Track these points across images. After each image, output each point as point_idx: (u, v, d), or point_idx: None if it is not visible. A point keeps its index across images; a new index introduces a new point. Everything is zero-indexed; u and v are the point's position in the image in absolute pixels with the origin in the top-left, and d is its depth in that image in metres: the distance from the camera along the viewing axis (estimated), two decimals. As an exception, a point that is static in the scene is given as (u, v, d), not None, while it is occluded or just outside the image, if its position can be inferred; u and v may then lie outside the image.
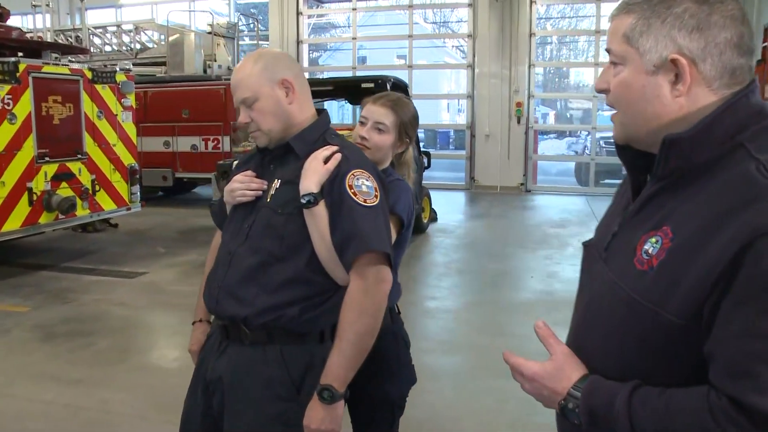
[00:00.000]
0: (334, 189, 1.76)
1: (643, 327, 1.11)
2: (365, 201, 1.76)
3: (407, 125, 2.26)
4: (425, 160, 9.55)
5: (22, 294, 6.40)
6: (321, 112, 1.96)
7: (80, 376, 4.40)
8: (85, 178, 7.60)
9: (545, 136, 23.50)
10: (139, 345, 5.02)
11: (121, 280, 6.98)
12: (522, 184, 14.04)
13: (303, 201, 1.75)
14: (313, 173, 1.77)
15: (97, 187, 7.79)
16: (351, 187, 1.76)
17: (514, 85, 13.95)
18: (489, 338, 5.26)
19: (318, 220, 1.76)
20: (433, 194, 10.46)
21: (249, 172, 1.93)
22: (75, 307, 6.00)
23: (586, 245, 1.38)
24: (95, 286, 6.73)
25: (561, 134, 26.16)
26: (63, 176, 7.30)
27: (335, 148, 1.84)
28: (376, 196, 1.79)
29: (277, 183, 1.85)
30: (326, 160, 1.80)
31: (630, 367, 1.14)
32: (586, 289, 1.32)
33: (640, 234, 1.15)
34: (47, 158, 7.04)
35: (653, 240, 1.11)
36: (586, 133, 17.33)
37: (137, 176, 8.52)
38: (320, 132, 1.91)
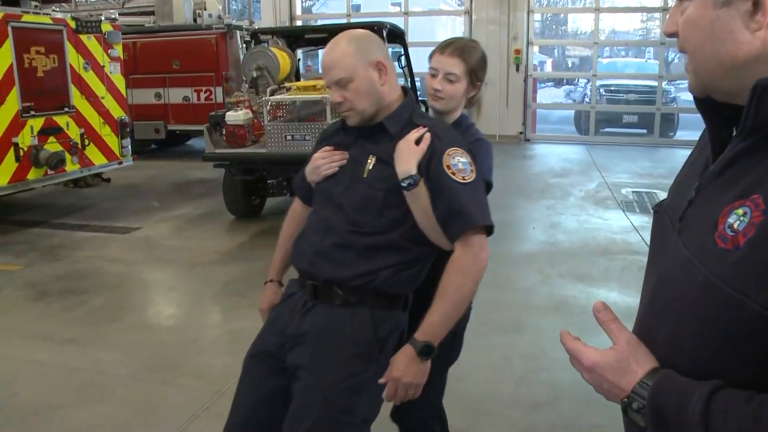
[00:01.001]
0: (431, 169, 1.85)
1: (723, 318, 0.90)
2: (463, 178, 1.85)
3: (477, 70, 2.24)
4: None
5: (13, 252, 6.26)
6: (406, 92, 2.02)
7: (73, 336, 4.29)
8: (74, 132, 7.39)
9: (543, 85, 23.18)
10: (133, 302, 4.90)
11: (115, 236, 6.84)
12: (521, 133, 13.80)
13: (404, 184, 1.85)
14: (410, 156, 1.85)
15: (87, 142, 7.59)
16: (449, 167, 1.85)
17: (512, 32, 13.61)
18: (493, 292, 5.13)
19: (420, 198, 1.86)
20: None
21: (327, 148, 2.03)
22: (68, 264, 5.87)
23: (658, 210, 1.16)
24: (88, 243, 6.59)
25: (558, 82, 25.82)
26: (50, 131, 7.09)
27: (424, 129, 1.89)
28: (472, 171, 1.88)
29: (372, 159, 1.93)
30: (417, 142, 1.87)
31: (705, 364, 0.95)
32: (657, 265, 1.10)
33: (723, 203, 0.94)
34: (33, 112, 6.81)
35: (740, 212, 0.90)
36: (585, 80, 17.04)
37: (128, 129, 8.32)
38: (409, 112, 1.99)
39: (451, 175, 1.85)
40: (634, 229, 6.72)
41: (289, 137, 6.49)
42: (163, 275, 5.67)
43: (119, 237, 6.81)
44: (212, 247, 6.36)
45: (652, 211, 1.20)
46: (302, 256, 1.99)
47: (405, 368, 1.83)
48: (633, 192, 8.61)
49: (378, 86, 1.92)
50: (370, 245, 1.90)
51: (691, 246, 0.98)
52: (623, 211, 7.55)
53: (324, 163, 2.00)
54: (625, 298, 4.90)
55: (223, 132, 6.86)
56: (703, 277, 0.93)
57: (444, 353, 2.02)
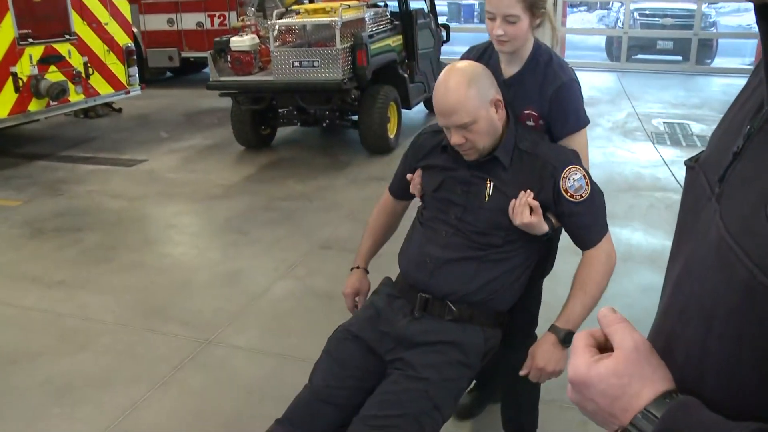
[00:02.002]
0: (557, 201, 1.95)
1: None
2: (581, 196, 1.94)
3: (535, 0, 2.03)
4: (444, 34, 8.86)
5: (15, 186, 6.08)
6: (507, 115, 2.03)
7: (63, 277, 4.10)
8: (76, 61, 7.06)
9: (574, 9, 22.19)
10: (128, 241, 4.69)
11: (119, 169, 6.62)
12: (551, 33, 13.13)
13: (545, 239, 2.00)
14: (536, 221, 1.91)
15: (91, 70, 7.27)
16: (566, 191, 1.93)
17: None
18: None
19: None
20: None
21: (419, 173, 2.16)
22: (67, 199, 5.67)
23: (692, 166, 0.82)
24: (91, 176, 6.37)
25: (591, 6, 24.74)
26: (51, 59, 6.76)
27: (530, 194, 1.92)
28: (587, 183, 1.95)
29: (490, 185, 1.99)
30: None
31: (741, 393, 0.65)
32: (685, 245, 0.78)
33: None
34: (31, 40, 6.48)
35: None
36: (619, 4, 16.17)
37: (134, 57, 7.97)
38: (513, 139, 2.02)
39: (570, 198, 1.94)
40: (663, 164, 6.31)
41: (296, 63, 6.14)
42: (163, 211, 5.44)
43: (123, 170, 6.58)
44: (217, 180, 6.11)
45: (685, 166, 0.85)
46: (420, 268, 2.03)
47: (549, 356, 1.93)
48: (664, 123, 8.12)
49: (496, 122, 1.96)
50: (489, 260, 1.99)
51: (731, 221, 0.65)
52: (653, 143, 7.10)
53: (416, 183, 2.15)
54: (651, 239, 4.56)
55: (229, 59, 6.52)
56: (746, 271, 0.61)
57: (540, 265, 2.17)
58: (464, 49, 2.45)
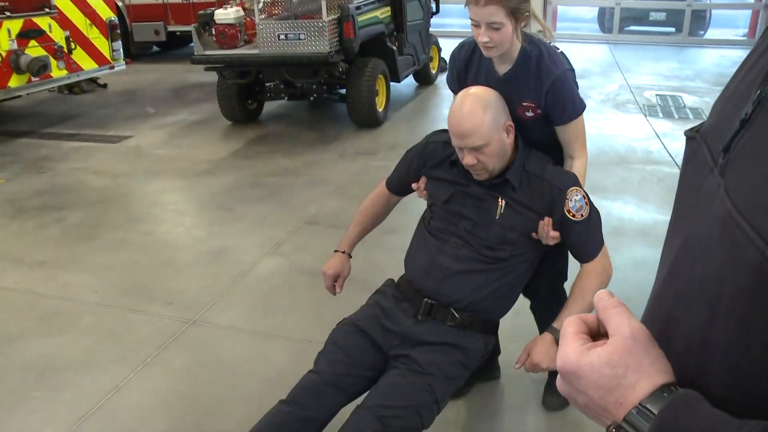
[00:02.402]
0: (561, 220, 2.07)
1: None
2: (582, 216, 2.08)
3: (518, 6, 2.09)
4: (433, 6, 8.73)
5: (-3, 164, 5.97)
6: (516, 139, 2.15)
7: (45, 257, 4.02)
8: (58, 35, 6.90)
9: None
10: (112, 219, 4.60)
11: (104, 146, 6.50)
12: (540, 31, 13.00)
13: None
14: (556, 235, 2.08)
15: (73, 45, 7.11)
16: (569, 211, 2.07)
17: None
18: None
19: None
20: (442, 42, 9.67)
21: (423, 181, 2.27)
22: (51, 177, 5.56)
23: (693, 136, 0.74)
24: (75, 153, 6.26)
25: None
26: (31, 33, 6.59)
27: (549, 221, 2.07)
28: (587, 203, 2.09)
29: (501, 202, 2.11)
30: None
31: (747, 384, 0.58)
32: (684, 221, 0.71)
33: None
34: (8, 13, 6.33)
35: None
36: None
37: (118, 31, 7.80)
38: (522, 161, 2.13)
39: (572, 218, 2.07)
40: (656, 136, 6.24)
41: (282, 36, 6.02)
42: (148, 188, 5.33)
43: (108, 147, 6.46)
44: (203, 156, 6.01)
45: (685, 136, 0.76)
46: (429, 277, 2.14)
47: (545, 354, 2.00)
48: (657, 95, 8.03)
49: (507, 146, 2.08)
50: (495, 273, 2.11)
51: (738, 195, 0.58)
52: (645, 115, 7.03)
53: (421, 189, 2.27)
54: (642, 213, 4.51)
55: (213, 32, 6.39)
56: (757, 251, 0.54)
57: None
58: (454, 21, 2.48)
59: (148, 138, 6.71)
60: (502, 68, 2.20)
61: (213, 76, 6.96)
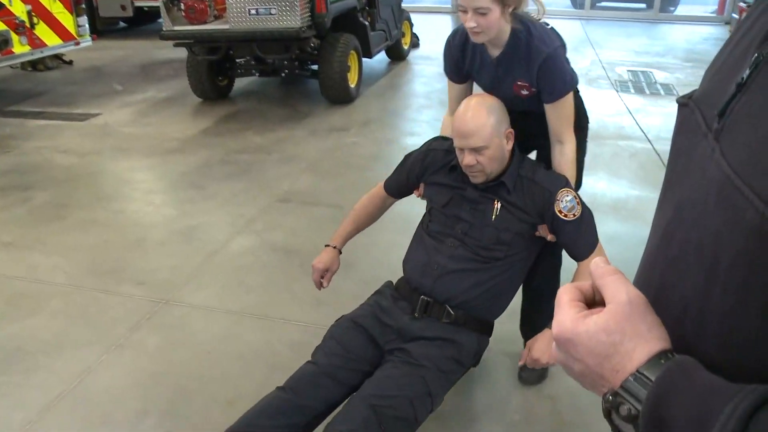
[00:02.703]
0: (553, 220, 2.18)
1: None
2: (574, 215, 2.18)
3: None
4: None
5: (-40, 143, 5.81)
6: (513, 148, 2.24)
7: (11, 239, 3.93)
8: (19, 10, 6.71)
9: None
10: (80, 199, 4.51)
11: (71, 124, 6.36)
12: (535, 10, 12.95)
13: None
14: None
15: (36, 20, 6.92)
16: (560, 211, 2.17)
17: None
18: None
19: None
20: (414, 18, 9.62)
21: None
22: (15, 156, 5.43)
23: (685, 103, 0.73)
24: (41, 132, 6.12)
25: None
26: (-10, 7, 6.44)
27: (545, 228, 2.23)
28: (578, 203, 2.19)
29: (497, 204, 2.21)
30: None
31: (746, 342, 0.57)
32: (676, 188, 0.70)
33: None
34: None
35: None
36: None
37: (83, 6, 7.61)
38: (517, 166, 2.24)
39: (564, 218, 2.17)
40: (627, 112, 6.27)
41: (253, 11, 5.92)
42: (116, 167, 5.23)
43: (76, 125, 6.32)
44: (173, 133, 5.91)
45: (677, 103, 0.75)
46: (425, 274, 2.23)
47: (544, 350, 2.10)
48: (628, 71, 8.07)
49: (506, 152, 2.18)
50: (490, 272, 2.21)
51: (736, 158, 0.58)
52: (617, 91, 7.06)
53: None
54: (614, 188, 4.54)
55: (182, 7, 6.26)
56: (756, 213, 0.54)
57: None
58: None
59: (116, 116, 6.58)
60: (495, 51, 2.25)
61: (182, 53, 6.84)
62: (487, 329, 2.30)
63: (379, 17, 7.51)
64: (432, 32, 11.25)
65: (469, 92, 2.49)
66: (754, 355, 0.56)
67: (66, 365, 2.80)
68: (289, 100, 7.01)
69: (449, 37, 2.41)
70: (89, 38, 7.77)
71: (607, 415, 0.63)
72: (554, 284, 2.58)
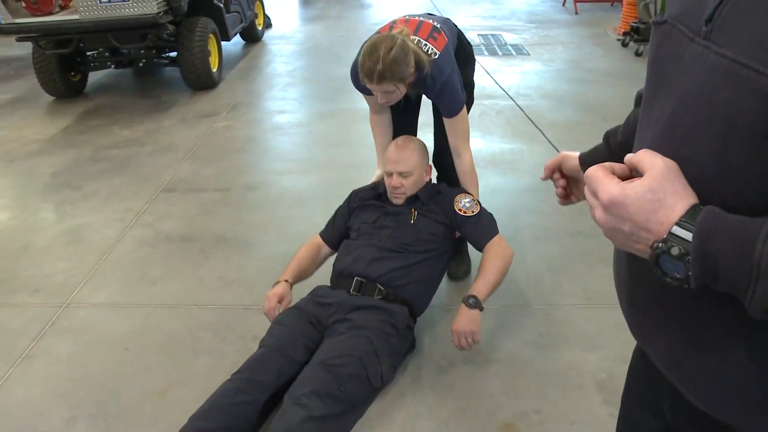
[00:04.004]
0: (455, 217, 2.74)
1: None
2: (473, 212, 2.74)
3: (402, 78, 2.55)
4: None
5: None
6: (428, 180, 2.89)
7: None
8: None
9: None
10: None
11: None
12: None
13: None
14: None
15: None
16: (461, 209, 2.74)
17: None
18: (349, 151, 4.88)
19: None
20: (265, -1, 9.53)
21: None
22: None
23: (663, 20, 0.87)
24: None
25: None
26: None
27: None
28: (476, 203, 2.79)
29: (415, 212, 2.75)
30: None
31: (764, 196, 0.72)
32: (670, 88, 0.83)
33: None
34: None
35: None
36: None
37: None
38: (429, 188, 2.84)
39: (464, 214, 2.73)
40: (486, 73, 6.59)
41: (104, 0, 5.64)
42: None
43: None
44: (31, 135, 5.57)
45: (653, 24, 0.90)
46: (358, 262, 2.63)
47: (458, 319, 2.46)
48: (479, 35, 8.44)
49: (423, 181, 2.82)
50: (411, 258, 2.63)
51: (737, 46, 0.71)
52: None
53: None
54: (488, 143, 4.81)
55: (22, -3, 5.87)
56: (765, 80, 0.67)
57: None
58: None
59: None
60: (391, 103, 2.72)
61: (22, 49, 6.42)
62: (413, 311, 2.59)
63: (232, -1, 7.39)
64: (282, 12, 11.20)
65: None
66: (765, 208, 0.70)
67: (-30, 384, 2.64)
68: (151, 91, 6.77)
69: (353, 68, 2.70)
70: None
71: (655, 261, 0.76)
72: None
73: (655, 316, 0.91)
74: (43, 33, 5.89)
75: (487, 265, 2.59)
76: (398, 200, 2.77)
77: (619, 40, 7.92)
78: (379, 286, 2.56)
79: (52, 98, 6.53)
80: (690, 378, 0.87)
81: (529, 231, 3.60)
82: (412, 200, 2.78)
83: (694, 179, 0.77)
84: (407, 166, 2.70)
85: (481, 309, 2.47)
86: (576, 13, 9.82)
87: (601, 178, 0.81)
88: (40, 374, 2.68)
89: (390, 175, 2.73)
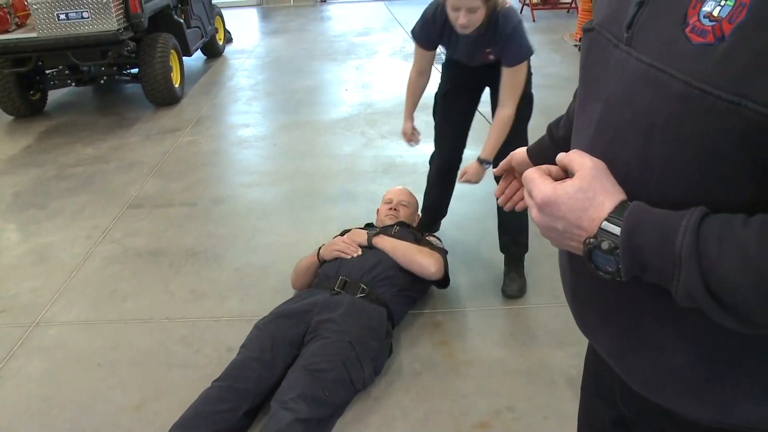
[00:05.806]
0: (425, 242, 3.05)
1: (710, 130, 0.71)
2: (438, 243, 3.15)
3: None
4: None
5: None
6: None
7: None
8: None
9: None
10: None
11: None
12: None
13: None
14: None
15: None
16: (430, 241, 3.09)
17: None
18: (313, 162, 4.91)
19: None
20: (224, 13, 9.53)
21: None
22: None
23: (590, 28, 0.94)
24: None
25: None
26: None
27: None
28: (438, 243, 3.15)
29: (396, 227, 3.11)
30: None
31: (682, 193, 0.77)
32: (598, 92, 0.89)
33: None
34: None
35: None
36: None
37: None
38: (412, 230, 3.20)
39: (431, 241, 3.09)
40: (447, 81, 6.67)
41: (62, 16, 5.61)
42: (-64, 198, 4.80)
43: None
44: (-9, 156, 5.50)
45: (583, 30, 0.96)
46: (342, 264, 2.83)
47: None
48: (438, 43, 8.54)
49: (413, 223, 3.36)
50: (388, 268, 2.80)
51: (652, 52, 0.77)
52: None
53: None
54: (468, 152, 4.86)
55: (-24, 17, 5.80)
56: (680, 83, 0.72)
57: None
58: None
59: None
60: (467, 30, 2.64)
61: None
62: (391, 315, 2.68)
63: (192, 14, 7.40)
64: (242, 26, 11.21)
65: (433, 57, 3.04)
66: (689, 200, 0.75)
67: (-60, 408, 2.60)
68: (113, 108, 6.72)
69: (428, 11, 2.79)
70: None
71: (588, 255, 0.81)
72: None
73: (597, 311, 0.95)
74: (0, 52, 5.82)
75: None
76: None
77: (575, 45, 8.10)
78: (362, 285, 2.69)
79: (11, 118, 6.44)
80: (632, 368, 0.92)
81: (495, 235, 3.66)
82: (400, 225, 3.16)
83: (622, 177, 0.82)
84: (403, 202, 3.34)
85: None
86: (533, 21, 10.01)
87: (536, 179, 0.86)
88: (11, 394, 2.65)
89: (389, 202, 3.38)
